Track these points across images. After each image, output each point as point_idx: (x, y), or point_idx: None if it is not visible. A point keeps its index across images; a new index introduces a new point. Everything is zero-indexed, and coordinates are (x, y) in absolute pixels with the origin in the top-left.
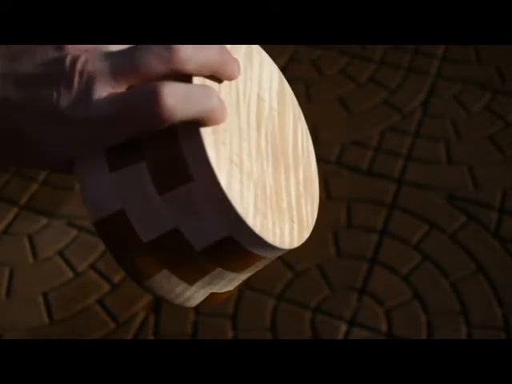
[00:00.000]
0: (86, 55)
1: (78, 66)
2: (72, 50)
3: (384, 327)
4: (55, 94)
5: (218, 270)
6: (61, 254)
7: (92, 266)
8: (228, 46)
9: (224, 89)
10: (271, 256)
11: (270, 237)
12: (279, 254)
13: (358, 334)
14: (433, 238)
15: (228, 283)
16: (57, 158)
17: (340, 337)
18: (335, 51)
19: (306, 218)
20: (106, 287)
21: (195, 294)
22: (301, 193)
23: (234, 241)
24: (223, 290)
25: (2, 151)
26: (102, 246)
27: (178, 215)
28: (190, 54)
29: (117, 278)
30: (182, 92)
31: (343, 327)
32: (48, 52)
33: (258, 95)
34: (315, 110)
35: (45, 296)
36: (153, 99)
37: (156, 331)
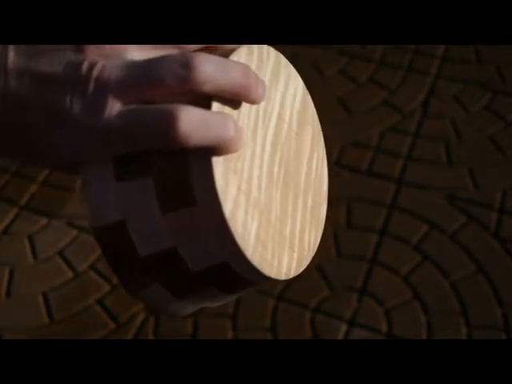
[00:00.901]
0: (104, 62)
1: (95, 72)
2: (91, 54)
3: (384, 327)
4: (68, 98)
5: (212, 290)
6: (61, 254)
7: (92, 266)
8: (255, 62)
9: (243, 112)
10: (266, 283)
11: (266, 269)
12: (268, 282)
13: (358, 334)
14: (433, 239)
15: (220, 301)
16: (62, 158)
17: (340, 337)
18: (335, 51)
19: (308, 247)
20: (106, 287)
21: (186, 307)
22: (307, 219)
23: (231, 268)
24: (215, 305)
25: (9, 145)
26: None
27: (178, 236)
28: (211, 75)
29: (117, 278)
30: (198, 119)
31: (343, 327)
32: (66, 54)
33: (279, 115)
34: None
35: (45, 296)
36: (168, 123)
37: (156, 331)
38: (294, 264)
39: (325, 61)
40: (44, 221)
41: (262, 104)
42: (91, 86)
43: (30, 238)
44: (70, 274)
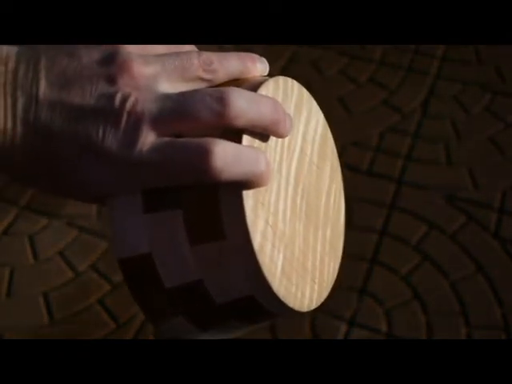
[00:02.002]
0: (137, 94)
1: (128, 105)
2: (123, 86)
3: (384, 327)
4: (101, 131)
5: (235, 323)
6: (61, 254)
7: (92, 266)
8: (281, 96)
9: (271, 145)
10: (288, 315)
11: (291, 301)
12: (290, 315)
13: (358, 334)
14: (432, 239)
15: (240, 332)
16: (91, 190)
17: (340, 337)
18: (335, 52)
19: (327, 278)
20: (107, 287)
21: (205, 337)
22: (326, 251)
23: (256, 301)
24: (233, 336)
25: (38, 176)
26: (102, 246)
27: (205, 268)
28: (244, 110)
29: (117, 278)
30: (232, 154)
31: (343, 327)
32: (99, 85)
33: (301, 148)
34: None
35: (45, 296)
36: (202, 157)
37: (156, 331)
38: (316, 295)
39: (325, 61)
40: (44, 221)
41: (287, 138)
42: (124, 119)
43: (31, 238)
44: (70, 274)
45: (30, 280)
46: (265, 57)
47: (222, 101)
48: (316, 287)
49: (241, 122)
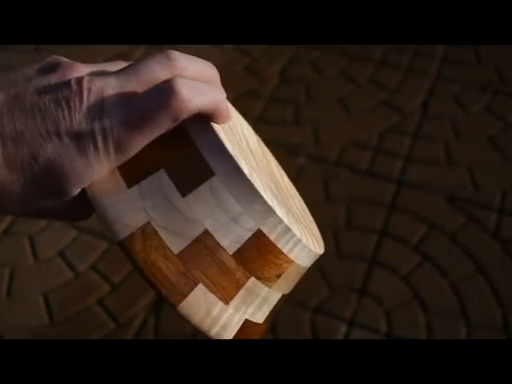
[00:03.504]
0: (89, 75)
1: (85, 84)
2: (73, 74)
3: (384, 327)
4: (67, 113)
5: (251, 280)
6: (61, 254)
7: (92, 267)
8: None
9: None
10: (299, 261)
11: (297, 231)
12: (305, 260)
13: (358, 334)
14: (432, 239)
15: (261, 305)
16: (70, 187)
17: (340, 337)
18: (335, 52)
19: (318, 236)
20: (106, 287)
21: (231, 320)
22: (307, 215)
23: (263, 235)
24: (257, 317)
25: (15, 186)
26: (102, 246)
27: (205, 214)
28: (187, 63)
29: (117, 279)
30: (193, 84)
31: (343, 327)
32: (45, 81)
33: (244, 134)
34: (315, 111)
35: (45, 296)
36: (169, 93)
37: (156, 331)
38: (316, 243)
39: (325, 61)
40: (44, 221)
41: (232, 125)
42: (85, 95)
43: (31, 239)
44: (70, 275)
45: (30, 280)
46: (265, 57)
47: (168, 56)
48: (313, 237)
49: (187, 73)
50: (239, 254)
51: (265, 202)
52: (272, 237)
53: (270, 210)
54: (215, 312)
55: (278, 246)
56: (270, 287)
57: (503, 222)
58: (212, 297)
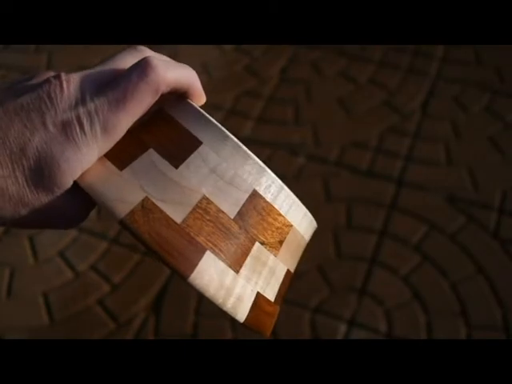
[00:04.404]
0: (65, 73)
1: (63, 77)
2: (51, 74)
3: (383, 327)
4: (50, 104)
5: (256, 246)
6: (61, 254)
7: (92, 267)
8: None
9: None
10: (297, 225)
11: (291, 194)
12: (302, 226)
13: (358, 334)
14: (432, 239)
15: (269, 278)
16: (65, 176)
17: (340, 337)
18: (335, 52)
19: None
20: (106, 287)
21: (244, 291)
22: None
23: (259, 196)
24: (267, 292)
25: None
26: (102, 247)
27: (200, 181)
28: (153, 53)
29: (117, 278)
30: (166, 60)
31: (343, 327)
32: (25, 84)
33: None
34: (315, 111)
35: (45, 296)
36: (146, 66)
37: (156, 331)
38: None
39: (325, 61)
40: None
41: None
42: (65, 86)
43: (31, 239)
44: (70, 275)
45: (30, 280)
46: (265, 57)
47: (137, 47)
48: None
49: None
50: (240, 217)
51: (255, 162)
52: (268, 197)
53: (261, 170)
54: (228, 281)
55: (275, 206)
56: (275, 255)
57: (503, 222)
58: (222, 264)
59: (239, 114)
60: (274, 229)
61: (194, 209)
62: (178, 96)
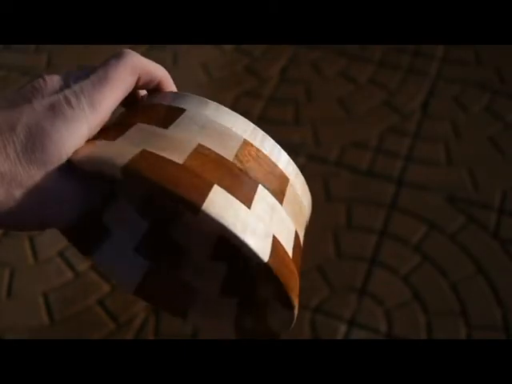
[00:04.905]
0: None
1: (46, 76)
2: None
3: (383, 327)
4: (35, 93)
5: (261, 188)
6: (61, 254)
7: (92, 267)
8: None
9: None
10: (292, 178)
11: (284, 152)
12: (298, 183)
13: (358, 334)
14: (432, 239)
15: (282, 226)
16: (52, 142)
17: (340, 337)
18: (335, 52)
19: None
20: (106, 287)
21: (261, 230)
22: None
23: (252, 145)
24: (282, 238)
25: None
26: None
27: (193, 135)
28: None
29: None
30: (139, 54)
31: (343, 327)
32: (14, 91)
33: None
34: (315, 111)
35: (45, 296)
36: (123, 53)
37: (156, 331)
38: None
39: (325, 61)
40: None
41: None
42: (56, 79)
43: (31, 239)
44: (70, 275)
45: (30, 280)
46: (265, 57)
47: (119, 52)
48: None
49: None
50: (238, 161)
51: (241, 117)
52: (260, 146)
53: (248, 124)
54: (242, 215)
55: (271, 157)
56: (280, 203)
57: (503, 222)
58: (232, 198)
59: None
60: (272, 177)
61: (192, 153)
62: (152, 90)
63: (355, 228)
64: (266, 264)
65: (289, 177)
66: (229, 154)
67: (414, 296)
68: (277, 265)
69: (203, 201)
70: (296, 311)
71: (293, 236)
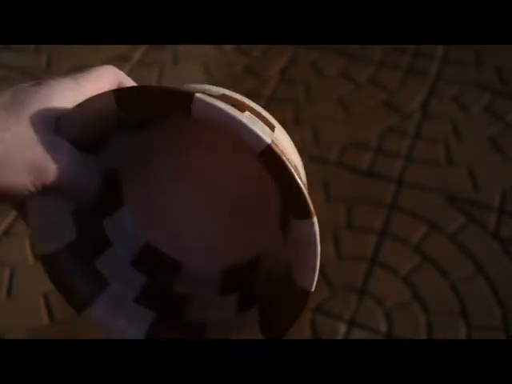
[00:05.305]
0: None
1: (39, 81)
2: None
3: (384, 327)
4: (20, 84)
5: (249, 114)
6: None
7: None
8: None
9: None
10: (281, 137)
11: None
12: (285, 142)
13: (358, 334)
14: (432, 239)
15: (277, 140)
16: (39, 99)
17: (340, 337)
18: (335, 52)
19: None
20: None
21: (255, 121)
22: None
23: (235, 94)
24: (275, 140)
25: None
26: None
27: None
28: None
29: None
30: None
31: (343, 327)
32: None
33: None
34: (315, 111)
35: (45, 297)
36: (103, 65)
37: None
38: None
39: (324, 62)
40: None
41: None
42: (48, 79)
43: (31, 239)
44: None
45: (30, 280)
46: (265, 57)
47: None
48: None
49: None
50: (225, 98)
51: (209, 85)
52: (235, 95)
53: (216, 86)
54: (237, 112)
55: (256, 107)
56: (272, 130)
57: (503, 222)
58: (222, 103)
59: None
60: (259, 115)
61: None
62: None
63: (355, 228)
64: (269, 146)
65: (275, 124)
66: (218, 91)
67: (414, 296)
68: (279, 150)
69: (193, 96)
70: (315, 220)
71: (290, 150)
